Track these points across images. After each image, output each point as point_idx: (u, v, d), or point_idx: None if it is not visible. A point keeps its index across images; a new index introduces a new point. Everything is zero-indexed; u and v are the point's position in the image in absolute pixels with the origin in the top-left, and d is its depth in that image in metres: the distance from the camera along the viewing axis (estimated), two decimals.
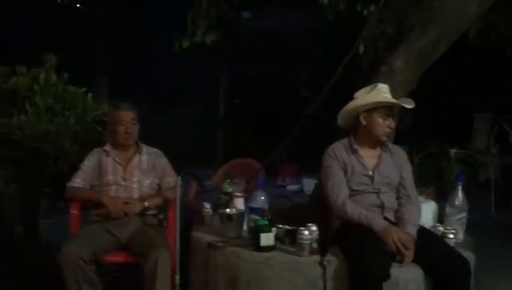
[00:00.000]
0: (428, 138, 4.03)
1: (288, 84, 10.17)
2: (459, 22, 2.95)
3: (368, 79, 3.03)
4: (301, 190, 7.49)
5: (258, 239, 2.54)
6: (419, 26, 2.92)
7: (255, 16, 8.30)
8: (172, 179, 3.04)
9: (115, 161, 3.07)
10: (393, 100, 2.59)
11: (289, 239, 2.66)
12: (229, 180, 3.05)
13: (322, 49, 8.41)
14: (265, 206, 2.71)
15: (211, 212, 3.04)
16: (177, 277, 2.60)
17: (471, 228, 2.81)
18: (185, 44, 3.90)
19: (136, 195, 3.02)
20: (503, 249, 4.18)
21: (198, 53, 4.95)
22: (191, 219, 3.07)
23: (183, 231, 2.75)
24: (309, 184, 6.18)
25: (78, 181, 3.03)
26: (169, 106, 9.74)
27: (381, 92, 2.61)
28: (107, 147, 3.11)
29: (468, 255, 2.54)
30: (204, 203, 3.09)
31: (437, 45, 2.95)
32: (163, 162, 3.18)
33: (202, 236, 2.82)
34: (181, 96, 9.59)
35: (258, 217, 2.64)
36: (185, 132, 9.92)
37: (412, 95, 3.00)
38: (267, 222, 2.56)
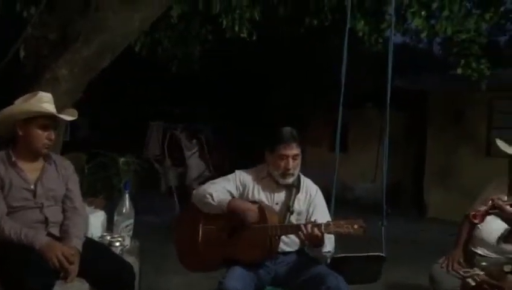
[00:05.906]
0: (104, 146, 4.05)
1: None
2: (122, 36, 3.07)
3: (31, 85, 2.84)
4: None
5: None
6: (84, 35, 2.90)
7: None
8: None
9: None
10: (52, 111, 2.46)
11: None
12: None
13: None
14: None
15: None
16: None
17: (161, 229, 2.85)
18: None
19: None
20: (164, 246, 4.38)
21: None
22: None
23: None
24: None
25: None
26: None
27: (42, 101, 2.45)
28: None
29: (133, 260, 2.66)
30: None
31: (102, 55, 2.99)
32: None
33: None
34: None
35: None
36: None
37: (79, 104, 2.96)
38: None
